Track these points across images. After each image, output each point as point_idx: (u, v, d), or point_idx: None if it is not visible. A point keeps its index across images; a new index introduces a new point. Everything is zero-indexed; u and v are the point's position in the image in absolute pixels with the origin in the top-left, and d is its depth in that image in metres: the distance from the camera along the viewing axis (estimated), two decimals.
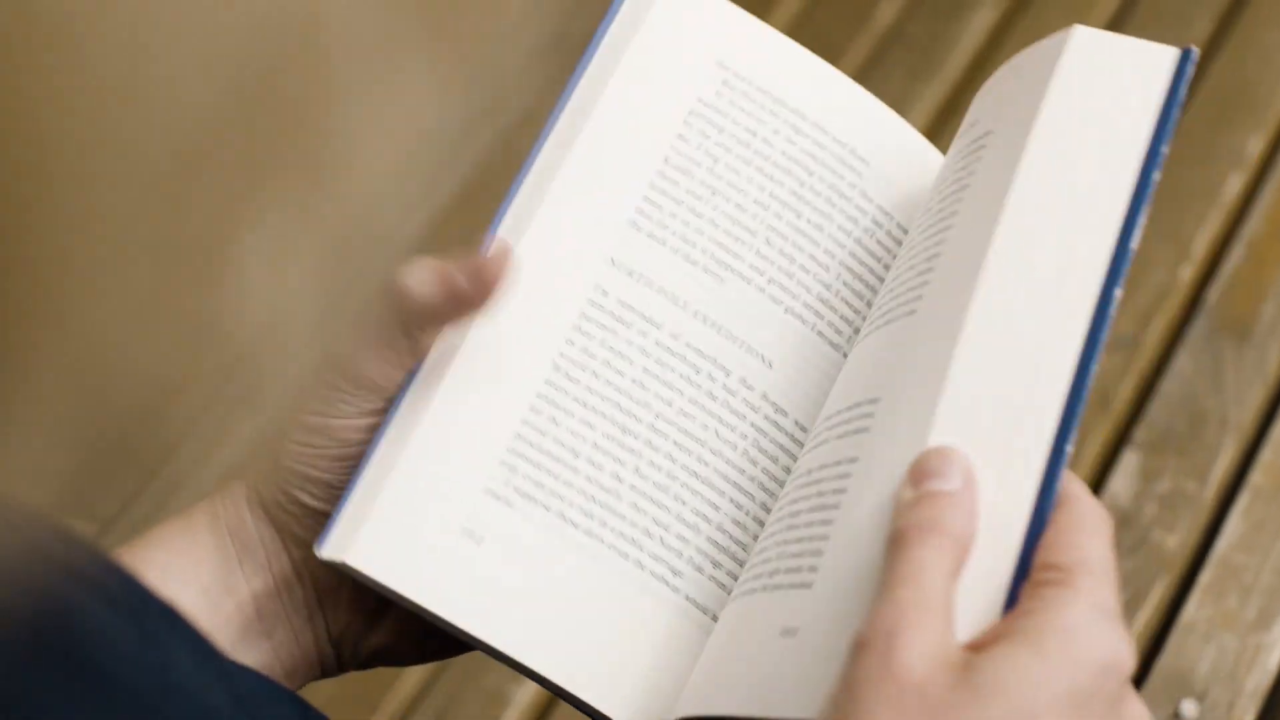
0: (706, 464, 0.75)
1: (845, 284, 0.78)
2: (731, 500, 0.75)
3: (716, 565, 0.74)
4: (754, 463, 0.75)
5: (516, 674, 1.46)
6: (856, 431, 0.69)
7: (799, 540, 0.68)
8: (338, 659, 0.77)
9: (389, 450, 0.73)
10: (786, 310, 0.77)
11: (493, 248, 0.72)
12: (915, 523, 0.62)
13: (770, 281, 0.78)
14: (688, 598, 0.74)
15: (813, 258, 0.78)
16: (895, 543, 0.62)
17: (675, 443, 0.75)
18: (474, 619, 0.72)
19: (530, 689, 1.41)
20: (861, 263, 0.79)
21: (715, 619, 0.74)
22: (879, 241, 0.79)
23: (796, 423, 0.76)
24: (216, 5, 0.32)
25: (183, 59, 0.32)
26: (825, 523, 0.68)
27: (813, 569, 0.67)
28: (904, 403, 0.68)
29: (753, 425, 0.76)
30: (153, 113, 0.32)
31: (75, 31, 0.31)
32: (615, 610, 0.73)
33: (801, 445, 0.76)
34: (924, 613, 0.59)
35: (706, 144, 0.79)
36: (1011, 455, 0.64)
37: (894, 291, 0.74)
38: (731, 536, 0.74)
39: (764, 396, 0.76)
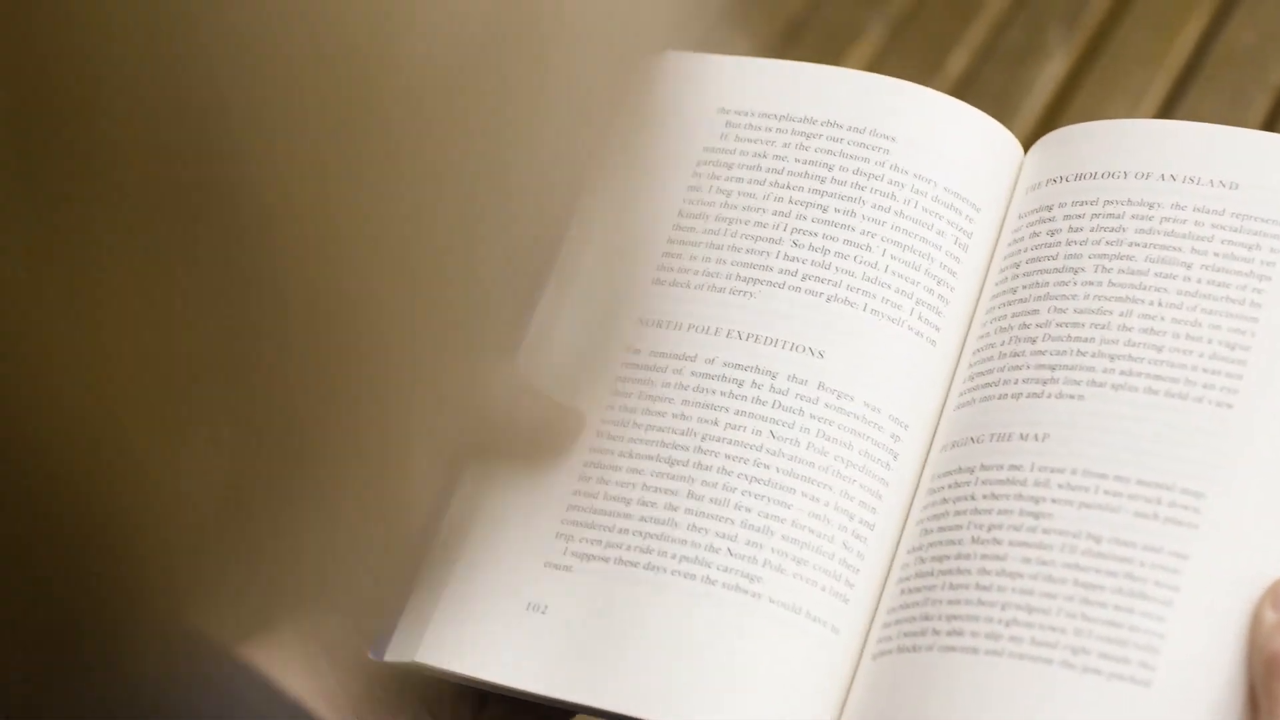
0: (766, 466, 0.74)
1: (894, 257, 0.77)
2: (804, 494, 0.73)
3: (800, 562, 0.72)
4: (823, 453, 0.74)
5: None
6: (1175, 523, 0.68)
7: (1110, 623, 0.67)
8: None
9: (445, 547, 0.75)
10: (829, 299, 0.76)
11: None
12: None
13: (805, 278, 0.77)
14: (772, 600, 0.72)
15: (848, 242, 0.77)
16: (1272, 669, 0.63)
17: (727, 456, 0.74)
18: (552, 682, 0.72)
19: None
20: (909, 233, 0.78)
21: (811, 616, 0.72)
22: (924, 209, 0.78)
23: (866, 403, 0.75)
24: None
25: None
26: (1156, 618, 0.66)
27: (1147, 665, 0.66)
28: (1246, 513, 0.67)
29: (813, 417, 0.74)
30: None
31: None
32: (695, 632, 0.72)
33: (877, 426, 0.74)
34: None
35: (717, 184, 0.80)
36: None
37: (1159, 357, 0.71)
38: (811, 530, 0.73)
39: (820, 386, 0.75)
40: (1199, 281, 0.71)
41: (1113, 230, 0.74)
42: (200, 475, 0.31)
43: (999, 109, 1.69)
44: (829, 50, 1.76)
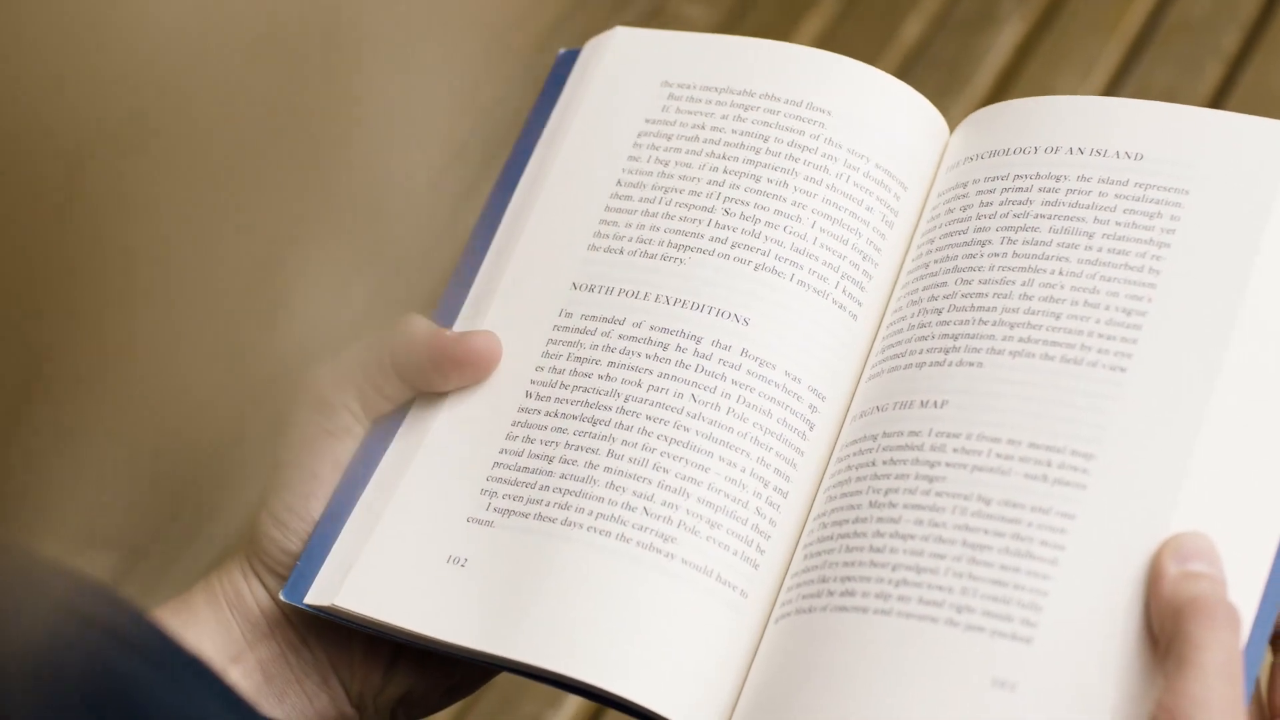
0: (686, 429, 0.75)
1: (823, 230, 0.78)
2: (721, 459, 0.74)
3: (714, 525, 0.74)
4: (742, 419, 0.75)
5: (553, 699, 1.46)
6: (1064, 484, 0.69)
7: (995, 582, 0.68)
8: (360, 718, 0.78)
9: (373, 499, 0.76)
10: (757, 268, 0.77)
11: (485, 338, 0.77)
12: (1202, 599, 0.65)
13: (734, 246, 0.78)
14: (684, 561, 0.73)
15: (779, 212, 0.78)
16: (1184, 616, 0.64)
17: (648, 417, 0.75)
18: (466, 633, 0.73)
19: (566, 714, 1.41)
20: (839, 207, 0.79)
21: (721, 580, 0.73)
22: (856, 184, 0.79)
23: (787, 373, 0.76)
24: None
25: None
26: (1040, 576, 0.68)
27: (1029, 623, 0.67)
28: (1135, 473, 0.69)
29: (734, 383, 0.76)
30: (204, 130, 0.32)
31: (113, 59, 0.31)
32: (608, 589, 0.73)
33: (796, 396, 0.76)
34: (1233, 690, 0.63)
35: (656, 154, 0.81)
36: (1242, 553, 0.67)
37: (1057, 324, 0.73)
38: (726, 495, 0.74)
39: (743, 353, 0.76)
40: (1100, 250, 0.73)
41: (1020, 204, 0.76)
42: None
43: (951, 78, 1.70)
44: (784, 17, 1.77)
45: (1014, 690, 0.66)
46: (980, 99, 1.69)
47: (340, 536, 0.76)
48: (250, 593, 0.77)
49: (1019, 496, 0.70)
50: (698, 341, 0.76)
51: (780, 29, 1.75)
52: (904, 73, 1.71)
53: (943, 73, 1.71)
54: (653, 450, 0.75)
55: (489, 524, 0.75)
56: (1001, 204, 0.76)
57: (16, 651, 0.42)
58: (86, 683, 0.49)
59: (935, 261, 0.77)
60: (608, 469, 0.75)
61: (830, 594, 0.71)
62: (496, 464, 0.76)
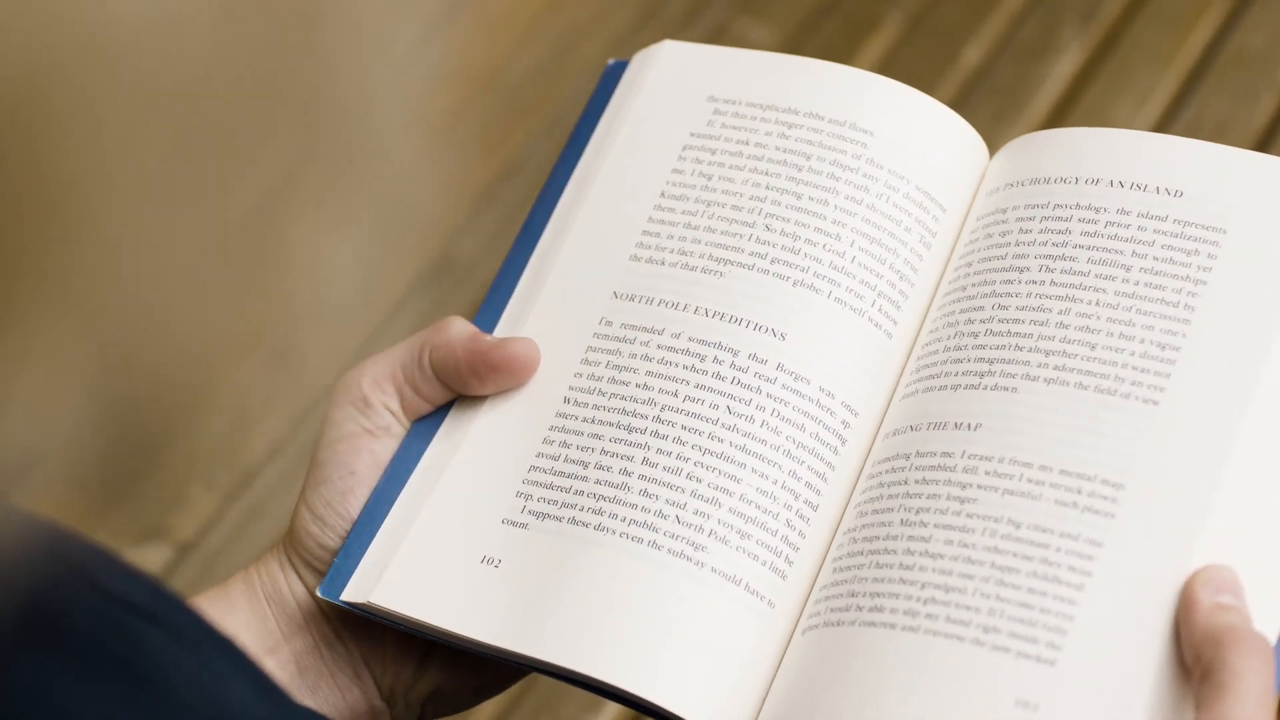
0: (720, 440, 0.76)
1: (862, 249, 0.79)
2: (754, 470, 0.75)
3: (745, 536, 0.75)
4: (776, 432, 0.76)
5: (592, 704, 1.47)
6: (1093, 511, 0.70)
7: (1022, 605, 0.69)
8: (392, 714, 0.79)
9: (411, 498, 0.77)
10: (795, 284, 0.78)
11: (523, 345, 0.78)
12: (1238, 629, 0.66)
13: (774, 261, 0.79)
14: (714, 570, 0.74)
15: (819, 230, 0.79)
16: (1223, 645, 0.66)
17: (683, 427, 0.76)
18: (496, 632, 0.74)
19: (606, 719, 1.42)
20: (878, 226, 0.80)
21: (750, 589, 0.74)
22: (895, 205, 0.80)
23: (821, 388, 0.77)
24: None
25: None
26: (1066, 600, 0.69)
27: (1054, 645, 0.68)
28: (1162, 504, 0.70)
29: (769, 396, 0.77)
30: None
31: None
32: (637, 594, 0.74)
33: (830, 411, 0.77)
34: (1268, 717, 0.64)
35: (700, 168, 0.82)
36: (1265, 587, 0.69)
37: (1093, 354, 0.74)
38: (758, 506, 0.75)
39: (779, 367, 0.77)
40: (1137, 284, 0.74)
41: (1060, 233, 0.77)
42: None
43: (1009, 104, 1.71)
44: (847, 40, 1.78)
45: (1036, 711, 0.67)
46: (1036, 125, 1.70)
47: (378, 534, 0.77)
48: (287, 586, 0.78)
49: (1048, 522, 0.71)
50: (735, 354, 0.77)
51: (842, 52, 1.76)
52: (963, 97, 1.72)
53: (1001, 98, 1.71)
54: (687, 460, 0.76)
55: (523, 526, 0.76)
56: (1041, 231, 0.77)
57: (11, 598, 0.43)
58: (97, 637, 0.50)
59: (973, 285, 0.78)
60: (642, 476, 0.76)
61: (859, 609, 0.72)
62: (533, 467, 0.77)
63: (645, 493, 0.75)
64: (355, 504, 0.78)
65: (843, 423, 0.77)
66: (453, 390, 0.79)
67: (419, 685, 0.79)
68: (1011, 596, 0.70)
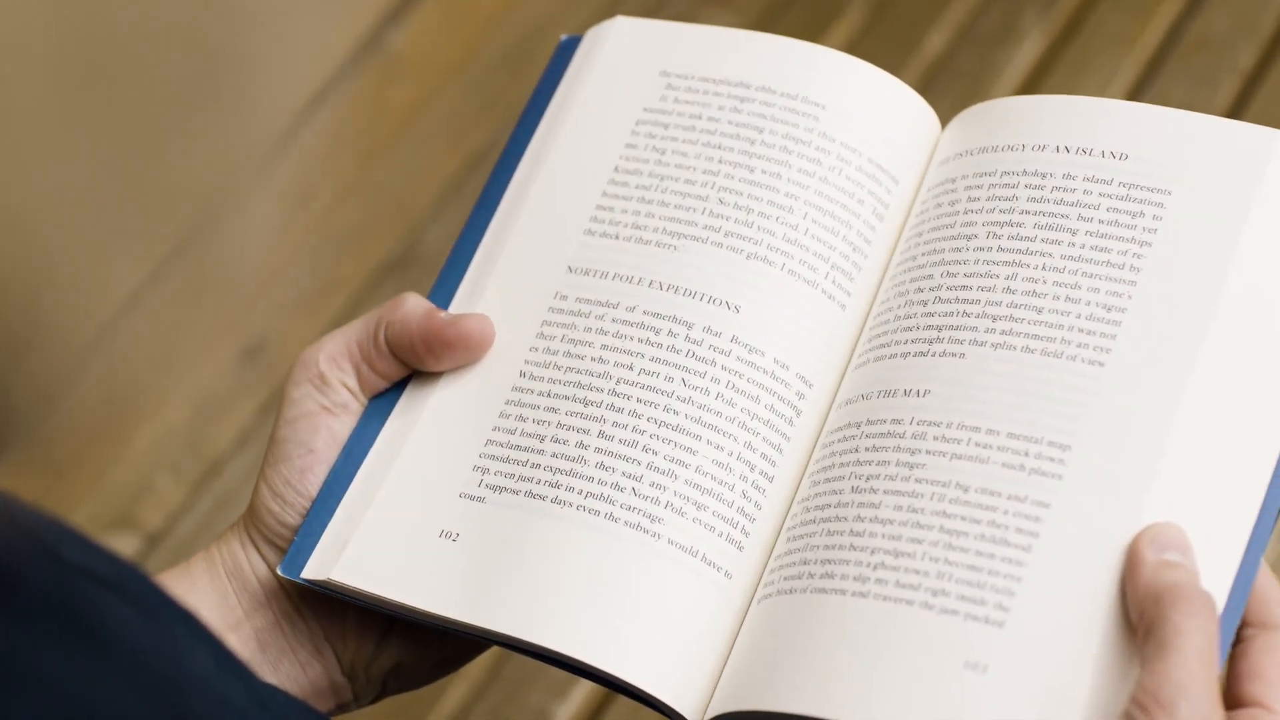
0: (676, 412, 0.76)
1: (815, 222, 0.80)
2: (709, 443, 0.76)
3: (701, 507, 0.75)
4: (731, 404, 0.77)
5: (560, 691, 1.47)
6: (1039, 474, 0.71)
7: (970, 567, 0.70)
8: (353, 689, 0.80)
9: (369, 475, 0.78)
10: (749, 257, 0.79)
11: (478, 321, 0.78)
12: (1181, 586, 0.66)
13: (728, 235, 0.79)
14: (671, 541, 0.75)
15: (772, 203, 0.80)
16: (1165, 602, 0.66)
17: (639, 400, 0.77)
18: (454, 605, 0.75)
19: (573, 706, 1.42)
20: (831, 199, 0.80)
21: (706, 560, 0.75)
22: (848, 177, 0.81)
23: (775, 360, 0.77)
24: None
25: None
26: (1014, 562, 0.69)
27: (1002, 607, 0.69)
28: (1109, 465, 0.70)
29: (724, 369, 0.77)
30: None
31: None
32: (594, 566, 0.75)
33: (784, 383, 0.77)
34: (1211, 674, 0.64)
35: (653, 142, 0.82)
36: (1213, 545, 0.69)
37: (1039, 318, 0.74)
38: (714, 478, 0.76)
39: (733, 340, 0.78)
40: (1083, 247, 0.75)
41: (1007, 199, 0.77)
42: None
43: (973, 89, 1.71)
44: (809, 28, 1.79)
45: (985, 672, 0.68)
46: None
47: (337, 511, 0.77)
48: (249, 563, 0.78)
49: (996, 485, 0.71)
50: (689, 327, 0.78)
51: (805, 37, 1.76)
52: (927, 83, 1.72)
53: (964, 84, 1.72)
54: (642, 432, 0.76)
55: (480, 500, 0.77)
56: (988, 199, 0.78)
57: None
58: (56, 599, 0.50)
59: (922, 254, 0.78)
60: (598, 449, 0.76)
61: (810, 576, 0.73)
62: (489, 441, 0.77)
63: (601, 465, 0.76)
64: (314, 481, 0.78)
65: (797, 394, 0.77)
66: (408, 366, 0.79)
67: (380, 660, 0.79)
68: (960, 560, 0.70)
